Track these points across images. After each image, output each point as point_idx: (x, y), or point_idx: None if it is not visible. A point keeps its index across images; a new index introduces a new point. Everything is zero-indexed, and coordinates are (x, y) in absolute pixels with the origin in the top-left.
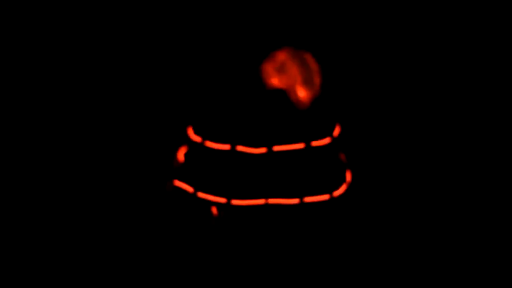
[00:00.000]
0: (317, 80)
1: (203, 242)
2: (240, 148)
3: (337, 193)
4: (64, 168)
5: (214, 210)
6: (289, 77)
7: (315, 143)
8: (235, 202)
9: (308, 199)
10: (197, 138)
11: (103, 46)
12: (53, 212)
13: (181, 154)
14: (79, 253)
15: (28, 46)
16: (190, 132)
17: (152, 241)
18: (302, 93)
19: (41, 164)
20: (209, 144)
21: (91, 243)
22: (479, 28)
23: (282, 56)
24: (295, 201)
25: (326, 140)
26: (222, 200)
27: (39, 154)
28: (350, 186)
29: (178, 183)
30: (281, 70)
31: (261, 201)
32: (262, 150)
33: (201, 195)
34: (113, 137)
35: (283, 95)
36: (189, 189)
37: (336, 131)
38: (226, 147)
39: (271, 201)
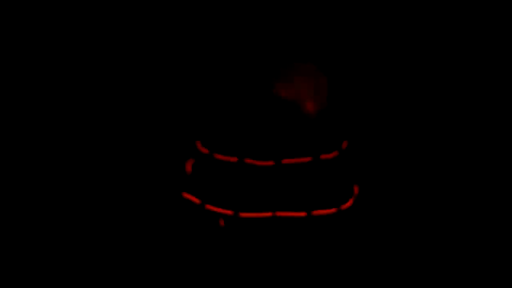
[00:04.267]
0: (324, 92)
1: (210, 254)
2: (248, 160)
3: (344, 206)
4: (70, 179)
5: (221, 222)
6: (297, 89)
7: (323, 157)
8: (242, 214)
9: (315, 212)
10: (205, 150)
11: (111, 61)
12: (56, 222)
13: (189, 166)
14: (83, 263)
15: (29, 46)
16: (198, 144)
17: (158, 252)
18: (310, 106)
19: (47, 172)
20: (217, 156)
21: (96, 254)
22: (484, 31)
23: (290, 68)
24: (303, 214)
25: (334, 154)
26: (230, 212)
27: (47, 167)
28: (357, 200)
29: (185, 195)
30: (289, 82)
31: (268, 214)
32: (270, 162)
33: (208, 207)
34: (120, 148)
35: (291, 108)
36: (196, 201)
37: (344, 145)
38: (234, 159)
39: (279, 214)
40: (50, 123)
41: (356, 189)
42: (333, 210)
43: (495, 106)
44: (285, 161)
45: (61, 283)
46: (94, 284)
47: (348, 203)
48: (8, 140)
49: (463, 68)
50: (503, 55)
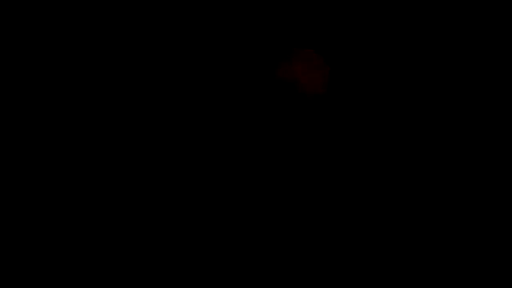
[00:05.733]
0: (323, 76)
1: (204, 240)
2: (246, 141)
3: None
4: (66, 166)
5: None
6: (296, 73)
7: (321, 139)
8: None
9: (310, 195)
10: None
11: (111, 42)
12: (54, 212)
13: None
14: (80, 251)
15: (29, 46)
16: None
17: (153, 239)
18: (308, 90)
19: (42, 164)
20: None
21: (94, 242)
22: (480, 28)
23: (289, 52)
24: (298, 198)
25: (332, 136)
26: None
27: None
28: (352, 185)
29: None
30: (288, 66)
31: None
32: (268, 144)
33: None
34: (118, 136)
35: (290, 91)
36: None
37: (342, 127)
38: (234, 139)
39: (274, 196)
40: (50, 109)
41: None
42: (328, 193)
43: (490, 92)
44: (282, 143)
45: (62, 264)
46: (94, 275)
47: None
48: (6, 139)
49: (461, 51)
50: (503, 55)
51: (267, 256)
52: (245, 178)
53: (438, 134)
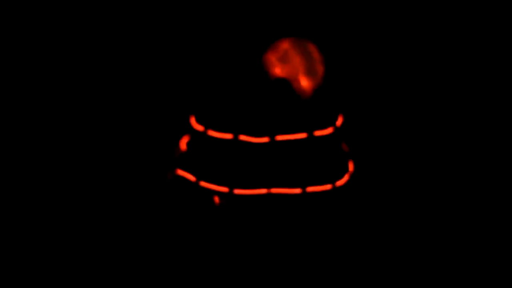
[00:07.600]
0: (320, 69)
1: (205, 232)
2: (242, 137)
3: (339, 183)
4: (65, 158)
5: (216, 199)
6: (292, 66)
7: (317, 133)
8: (237, 191)
9: (310, 189)
10: (199, 127)
11: (104, 36)
12: (53, 205)
13: (183, 143)
14: (80, 244)
15: (28, 46)
16: (193, 121)
17: (154, 231)
18: (305, 83)
19: (40, 160)
20: (212, 133)
21: (93, 234)
22: (480, 25)
23: (285, 45)
24: (298, 190)
25: (329, 130)
26: (224, 189)
27: (40, 151)
28: (352, 176)
29: (180, 172)
30: (284, 59)
31: (263, 191)
32: (265, 139)
33: (203, 184)
34: (115, 127)
35: (286, 85)
36: (191, 178)
37: (339, 121)
38: (229, 136)
39: (274, 190)
40: (42, 101)
41: (351, 166)
42: (328, 186)
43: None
44: (280, 137)
45: (60, 256)
46: (89, 261)
47: (343, 180)
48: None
49: (460, 47)
50: (503, 55)
51: (265, 256)
52: (243, 168)
53: (434, 119)
